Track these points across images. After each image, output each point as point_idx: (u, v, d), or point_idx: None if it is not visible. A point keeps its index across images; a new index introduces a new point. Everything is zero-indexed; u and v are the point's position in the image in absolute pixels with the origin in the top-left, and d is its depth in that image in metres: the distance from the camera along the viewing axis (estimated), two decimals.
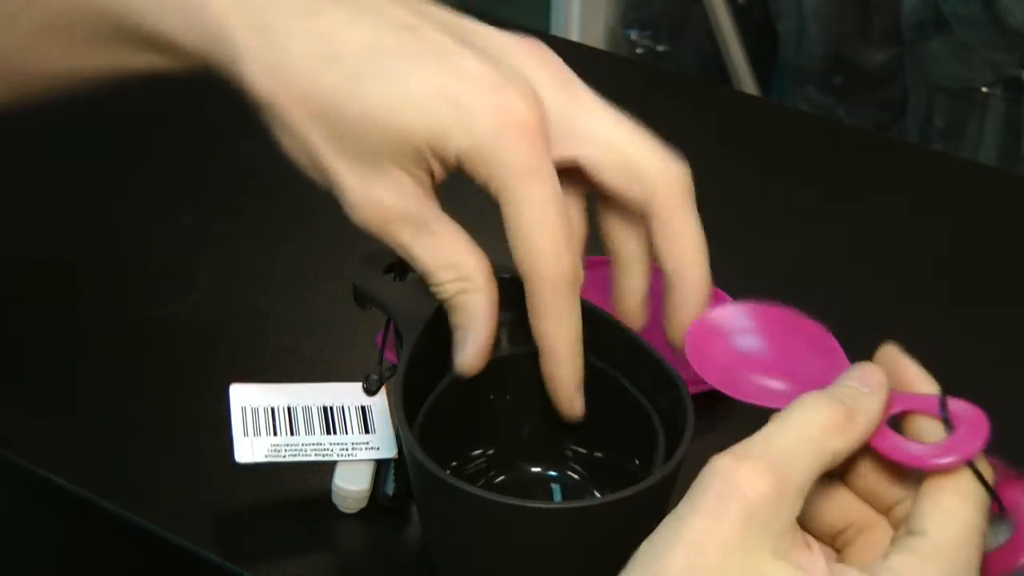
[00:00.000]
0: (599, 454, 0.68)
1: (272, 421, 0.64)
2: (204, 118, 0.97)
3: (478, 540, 0.61)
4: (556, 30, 2.06)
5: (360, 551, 0.67)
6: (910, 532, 0.50)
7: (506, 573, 0.61)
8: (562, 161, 0.60)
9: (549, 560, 0.60)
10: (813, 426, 0.50)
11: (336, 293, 0.80)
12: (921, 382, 0.54)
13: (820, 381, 0.54)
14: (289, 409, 0.65)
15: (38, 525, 0.74)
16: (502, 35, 0.61)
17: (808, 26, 1.92)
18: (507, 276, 0.66)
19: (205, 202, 0.89)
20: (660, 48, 2.09)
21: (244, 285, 0.84)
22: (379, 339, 0.70)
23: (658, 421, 0.64)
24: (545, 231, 0.58)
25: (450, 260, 0.60)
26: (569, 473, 0.69)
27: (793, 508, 0.48)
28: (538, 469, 0.69)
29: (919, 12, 1.79)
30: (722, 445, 0.50)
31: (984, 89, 1.77)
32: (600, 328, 0.65)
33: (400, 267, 0.66)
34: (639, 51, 2.09)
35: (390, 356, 0.68)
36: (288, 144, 0.60)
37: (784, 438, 0.49)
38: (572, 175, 0.61)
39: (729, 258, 0.86)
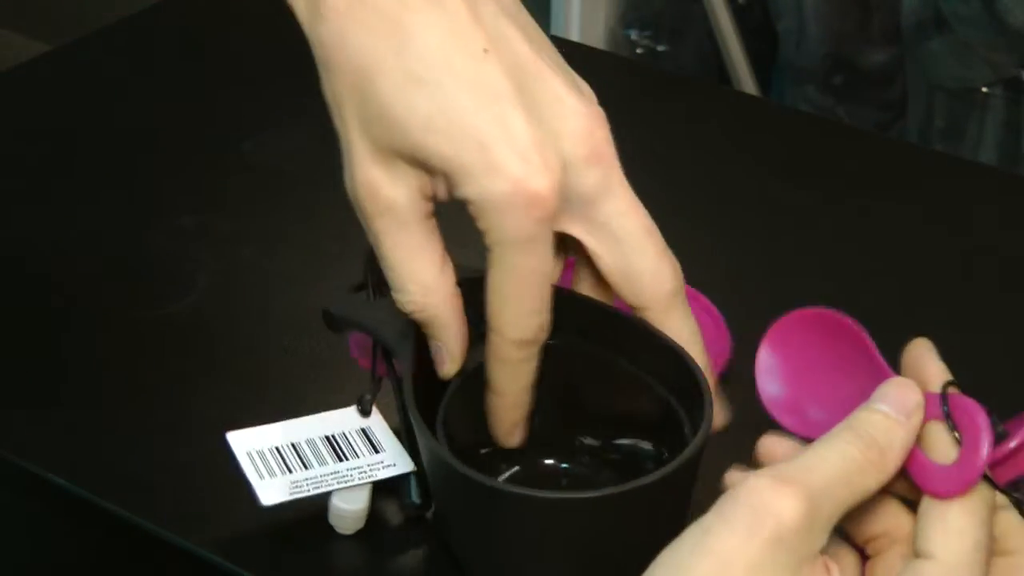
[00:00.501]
0: (614, 444, 0.68)
1: (282, 460, 0.65)
2: (204, 118, 0.97)
3: (516, 536, 0.61)
4: (556, 30, 2.06)
5: (359, 571, 0.67)
6: (917, 555, 0.50)
7: (537, 563, 0.62)
8: (566, 235, 0.62)
9: (572, 549, 0.61)
10: (851, 464, 0.50)
11: (336, 293, 0.80)
12: (935, 379, 0.54)
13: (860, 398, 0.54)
14: (294, 446, 0.66)
15: (38, 525, 0.74)
16: (566, 89, 0.61)
17: (808, 26, 1.92)
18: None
19: (205, 202, 0.89)
20: (660, 48, 2.09)
21: (244, 285, 0.84)
22: (356, 357, 0.71)
23: (683, 414, 0.64)
24: (520, 300, 0.60)
25: (417, 276, 0.61)
26: (580, 465, 0.69)
27: (820, 538, 0.49)
28: (550, 461, 0.69)
29: (919, 12, 1.79)
30: (740, 439, 0.50)
31: (984, 89, 1.77)
32: (619, 325, 0.65)
33: (371, 285, 0.67)
34: (639, 51, 2.09)
35: (375, 372, 0.69)
36: (325, 91, 0.61)
37: (823, 472, 0.50)
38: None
39: (729, 258, 0.86)
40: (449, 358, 0.63)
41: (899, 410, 0.52)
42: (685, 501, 0.62)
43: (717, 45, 2.00)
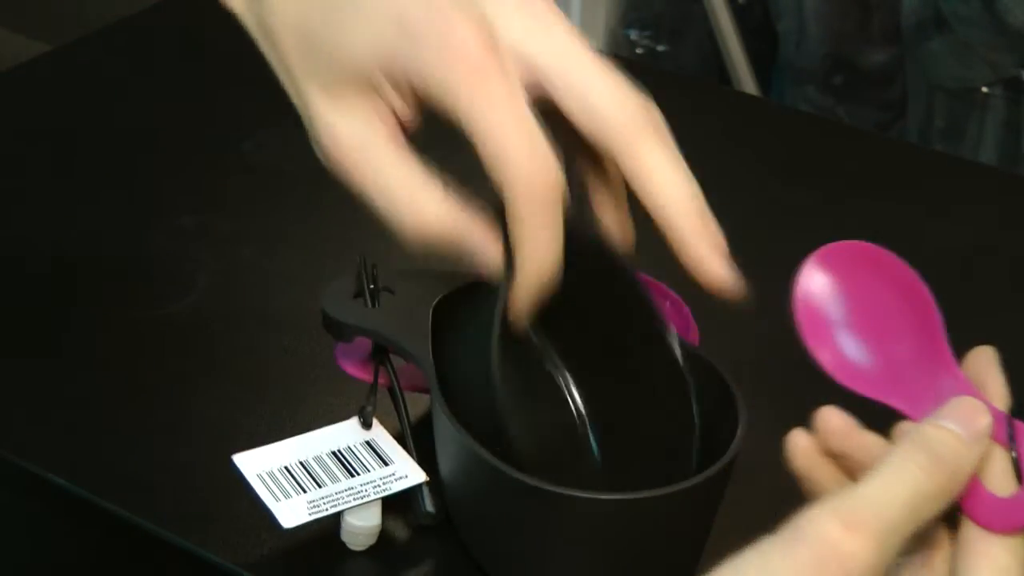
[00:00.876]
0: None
1: (294, 480, 0.65)
2: (204, 118, 0.97)
3: (559, 535, 0.61)
4: None
5: None
6: None
7: (574, 561, 0.62)
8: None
9: (612, 547, 0.61)
10: (920, 494, 0.47)
11: (336, 299, 0.80)
12: (998, 399, 0.52)
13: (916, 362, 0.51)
14: (303, 464, 0.65)
15: (38, 525, 0.74)
16: None
17: (808, 26, 1.92)
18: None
19: (205, 202, 0.89)
20: (660, 48, 2.09)
21: (244, 285, 0.84)
22: (343, 366, 0.71)
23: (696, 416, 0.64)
24: (509, 128, 0.56)
25: (418, 198, 0.58)
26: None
27: (885, 571, 0.47)
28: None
29: (919, 12, 1.79)
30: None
31: (984, 89, 1.77)
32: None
33: (369, 291, 0.67)
34: (639, 51, 2.09)
35: (366, 378, 0.69)
36: (274, 64, 0.62)
37: (892, 505, 0.47)
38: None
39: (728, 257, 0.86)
40: (490, 261, 0.58)
41: (969, 431, 0.49)
42: (715, 507, 0.62)
43: (717, 45, 2.00)
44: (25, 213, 0.89)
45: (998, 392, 0.52)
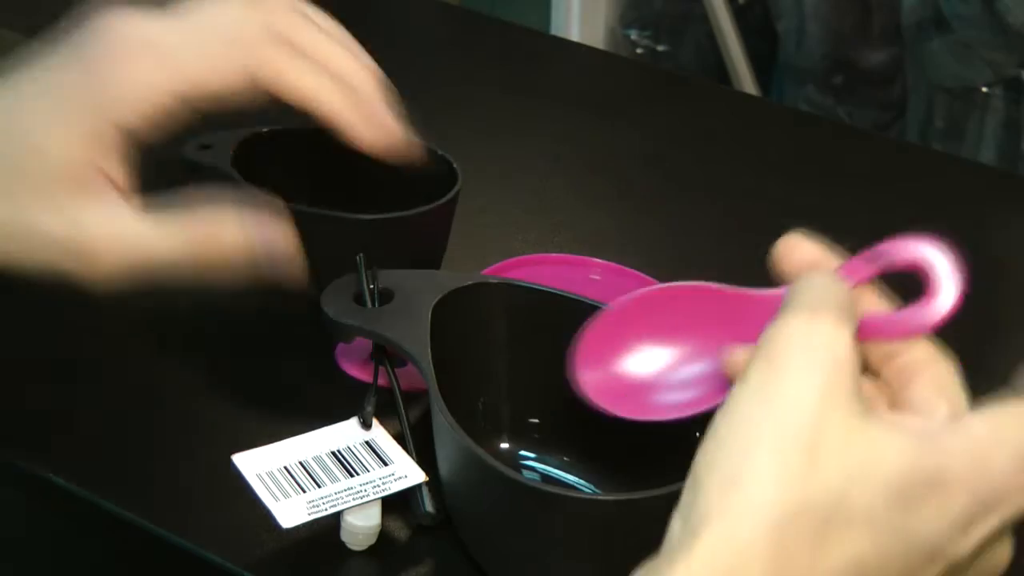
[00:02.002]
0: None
1: (293, 480, 0.65)
2: (204, 118, 0.97)
3: (560, 537, 0.61)
4: (556, 30, 2.06)
5: None
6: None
7: (576, 562, 0.62)
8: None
9: (604, 551, 0.61)
10: (837, 290, 0.51)
11: (337, 302, 0.80)
12: (828, 257, 0.55)
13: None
14: (302, 464, 0.66)
15: (38, 525, 0.74)
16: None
17: (808, 26, 1.92)
18: (499, 281, 0.66)
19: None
20: (660, 48, 2.09)
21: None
22: (342, 364, 0.71)
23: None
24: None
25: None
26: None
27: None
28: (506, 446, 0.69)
29: (919, 12, 1.79)
30: None
31: (984, 89, 1.77)
32: None
33: (370, 293, 0.67)
34: (639, 51, 2.09)
35: (366, 378, 0.69)
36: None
37: (837, 297, 0.50)
38: None
39: (728, 258, 0.86)
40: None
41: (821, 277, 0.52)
42: None
43: (717, 45, 2.00)
44: None
45: (822, 254, 0.55)
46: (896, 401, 0.51)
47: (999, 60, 1.75)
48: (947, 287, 0.52)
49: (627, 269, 0.80)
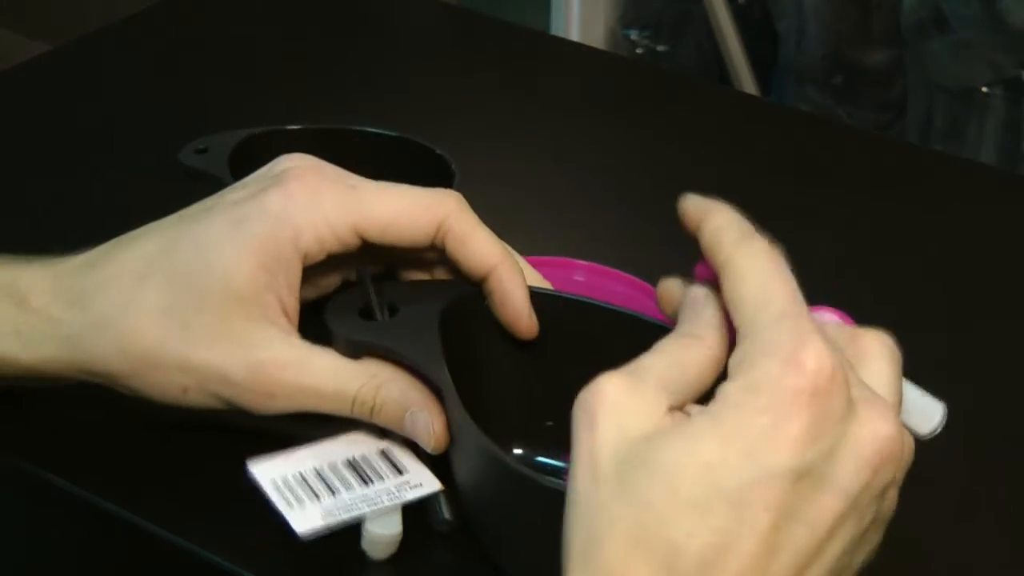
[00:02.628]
0: None
1: (309, 487, 0.65)
2: (205, 118, 0.97)
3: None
4: (556, 30, 2.06)
5: None
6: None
7: None
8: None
9: None
10: (664, 345, 0.56)
11: (342, 316, 0.80)
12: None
13: None
14: (317, 471, 0.66)
15: (38, 525, 0.74)
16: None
17: (808, 26, 1.92)
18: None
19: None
20: (660, 48, 2.09)
21: None
22: None
23: None
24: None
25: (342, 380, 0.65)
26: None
27: (656, 399, 0.53)
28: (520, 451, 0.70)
29: (919, 12, 1.79)
30: None
31: (984, 89, 1.77)
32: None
33: (378, 305, 0.67)
34: (639, 51, 2.09)
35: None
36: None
37: (643, 359, 0.55)
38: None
39: None
40: (430, 427, 0.65)
41: (696, 310, 0.57)
42: None
43: (717, 45, 2.00)
44: (25, 213, 0.89)
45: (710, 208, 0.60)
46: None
47: (999, 60, 1.75)
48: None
49: (611, 270, 0.80)
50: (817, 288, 0.83)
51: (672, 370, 0.54)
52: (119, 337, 0.65)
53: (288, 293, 0.65)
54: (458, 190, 0.81)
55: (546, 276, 0.75)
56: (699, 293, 0.58)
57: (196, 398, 0.65)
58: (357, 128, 0.84)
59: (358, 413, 0.65)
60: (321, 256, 0.66)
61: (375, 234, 0.66)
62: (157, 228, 0.68)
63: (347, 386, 0.65)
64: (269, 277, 0.65)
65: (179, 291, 0.65)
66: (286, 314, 0.65)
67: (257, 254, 0.64)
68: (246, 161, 0.82)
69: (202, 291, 0.64)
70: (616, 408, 0.52)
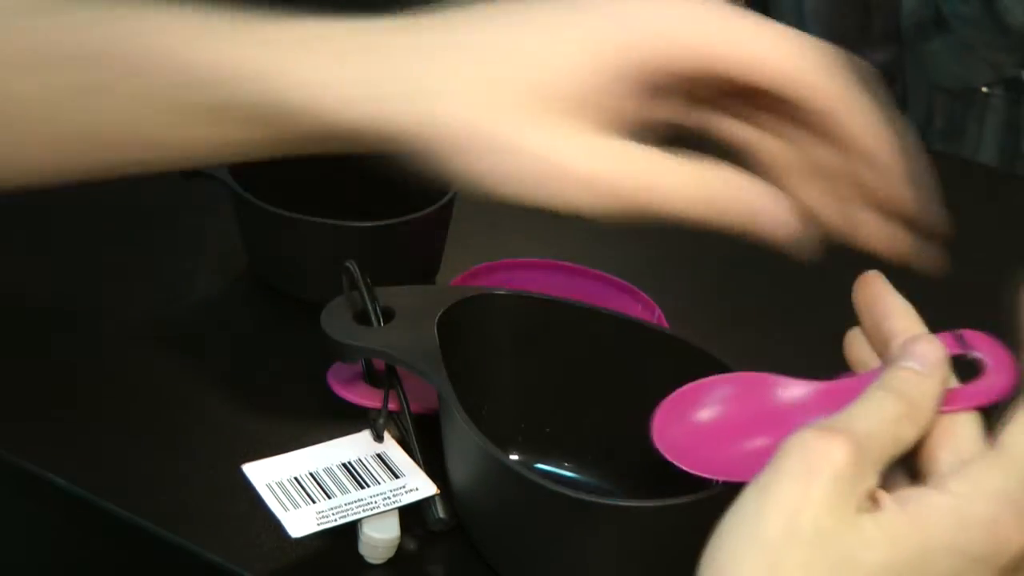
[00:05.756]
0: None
1: (303, 490, 0.65)
2: None
3: (585, 543, 0.61)
4: None
5: None
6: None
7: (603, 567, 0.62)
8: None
9: (639, 555, 0.62)
10: (885, 414, 0.52)
11: (337, 321, 0.80)
12: (904, 315, 0.58)
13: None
14: (312, 475, 0.66)
15: (38, 525, 0.74)
16: None
17: (808, 26, 1.92)
18: (503, 292, 0.67)
19: (206, 203, 0.89)
20: None
21: (243, 284, 0.84)
22: (336, 391, 0.71)
23: None
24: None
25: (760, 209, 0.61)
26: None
27: (872, 478, 0.50)
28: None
29: (919, 12, 1.79)
30: None
31: (984, 89, 1.77)
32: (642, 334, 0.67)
33: (374, 311, 0.67)
34: None
35: (359, 401, 0.70)
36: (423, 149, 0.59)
37: (864, 419, 0.51)
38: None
39: (727, 256, 0.86)
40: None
41: (925, 364, 0.54)
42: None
43: None
44: (25, 212, 0.89)
45: (903, 312, 0.58)
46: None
47: (999, 60, 1.75)
48: (1004, 371, 0.57)
49: (600, 273, 0.80)
50: (816, 287, 0.83)
51: (891, 448, 0.52)
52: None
53: (626, 102, 0.60)
54: (456, 192, 0.81)
55: (535, 279, 0.75)
56: (932, 354, 0.56)
57: (494, 183, 0.59)
58: None
59: (703, 212, 0.59)
60: (664, 82, 0.60)
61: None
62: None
63: (693, 179, 0.59)
64: (605, 82, 0.59)
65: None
66: (622, 122, 0.60)
67: (589, 55, 0.59)
68: (245, 162, 0.82)
69: (523, 79, 0.59)
70: (836, 476, 0.49)
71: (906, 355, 0.55)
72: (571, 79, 0.58)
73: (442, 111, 0.58)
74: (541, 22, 0.59)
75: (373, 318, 0.66)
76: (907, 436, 0.52)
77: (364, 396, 0.70)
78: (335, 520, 0.64)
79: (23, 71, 0.60)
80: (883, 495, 0.50)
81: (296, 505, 0.64)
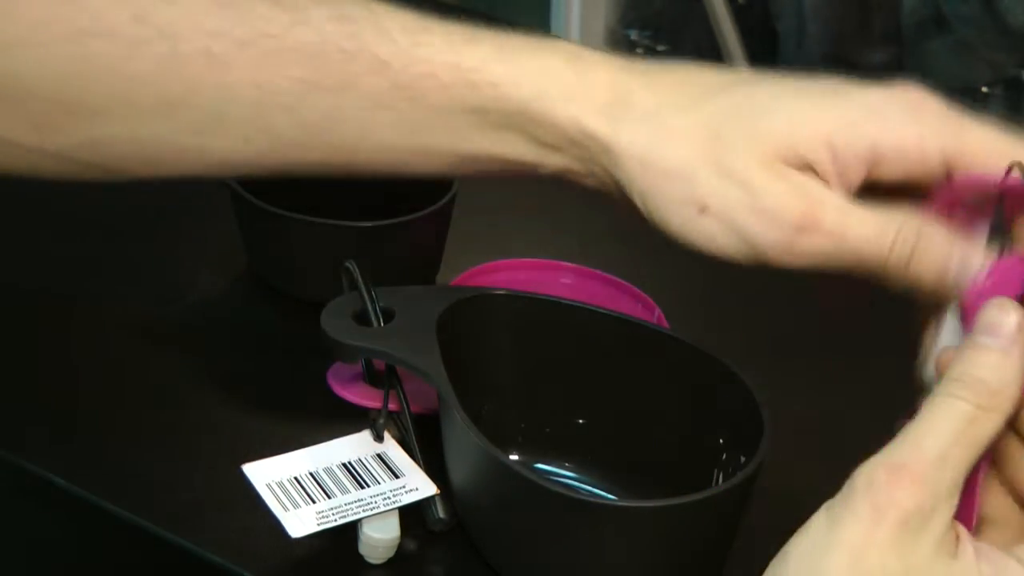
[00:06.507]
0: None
1: (303, 490, 0.65)
2: None
3: (588, 543, 0.61)
4: (556, 30, 2.06)
5: None
6: None
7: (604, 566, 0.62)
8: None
9: (643, 554, 0.62)
10: (958, 420, 0.49)
11: (336, 322, 0.80)
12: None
13: None
14: (312, 475, 0.66)
15: (38, 525, 0.74)
16: None
17: (808, 26, 1.92)
18: (503, 292, 0.67)
19: (206, 203, 0.89)
20: (660, 48, 2.09)
21: (243, 284, 0.84)
22: (336, 390, 0.71)
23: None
24: None
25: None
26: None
27: (948, 508, 0.49)
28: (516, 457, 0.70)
29: (919, 12, 1.79)
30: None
31: (984, 89, 1.77)
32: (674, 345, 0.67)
33: (374, 311, 0.67)
34: (639, 51, 2.09)
35: (359, 401, 0.69)
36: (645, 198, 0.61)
37: (934, 441, 0.49)
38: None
39: None
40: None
41: (998, 335, 0.50)
42: (742, 509, 0.63)
43: (717, 45, 2.00)
44: (26, 212, 0.89)
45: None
46: None
47: (999, 60, 1.75)
48: None
49: (600, 273, 0.80)
50: (816, 287, 0.83)
51: (968, 458, 0.49)
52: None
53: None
54: (456, 192, 0.81)
55: (535, 279, 0.75)
56: (1006, 323, 0.50)
57: (709, 225, 0.60)
58: None
59: (893, 261, 0.58)
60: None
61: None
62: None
63: (886, 229, 0.58)
64: (812, 147, 0.60)
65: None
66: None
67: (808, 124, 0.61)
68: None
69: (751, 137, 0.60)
70: (902, 519, 0.48)
71: (981, 328, 0.50)
72: (799, 140, 0.60)
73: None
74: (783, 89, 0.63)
75: (373, 318, 0.66)
76: (987, 431, 0.49)
77: (364, 396, 0.70)
78: (335, 520, 0.64)
79: (263, 64, 0.60)
80: (966, 540, 0.49)
81: (296, 505, 0.64)
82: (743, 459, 0.63)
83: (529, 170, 0.62)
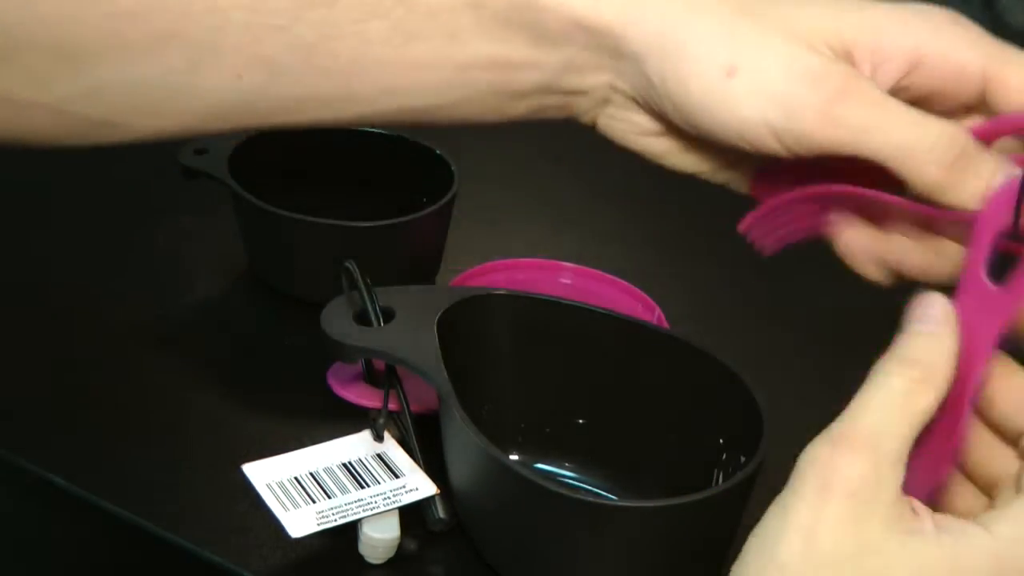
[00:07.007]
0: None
1: (303, 490, 0.65)
2: None
3: (589, 542, 0.61)
4: None
5: None
6: None
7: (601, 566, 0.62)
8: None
9: (638, 554, 0.62)
10: (894, 393, 0.50)
11: (337, 321, 0.80)
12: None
13: None
14: (312, 475, 0.66)
15: (38, 525, 0.75)
16: None
17: None
18: (503, 292, 0.67)
19: (206, 202, 0.90)
20: None
21: (243, 284, 0.84)
22: (336, 390, 0.71)
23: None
24: None
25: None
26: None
27: (894, 478, 0.49)
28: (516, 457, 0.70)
29: None
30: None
31: None
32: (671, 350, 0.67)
33: (374, 311, 0.67)
34: None
35: (359, 401, 0.70)
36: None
37: (870, 414, 0.50)
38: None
39: (727, 258, 0.86)
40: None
41: (928, 321, 0.52)
42: (742, 509, 0.63)
43: None
44: (26, 212, 0.89)
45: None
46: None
47: None
48: None
49: (600, 273, 0.81)
50: (816, 286, 0.83)
51: (910, 428, 0.50)
52: None
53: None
54: (457, 190, 0.81)
55: (535, 279, 0.75)
56: (936, 311, 0.53)
57: (736, 88, 0.56)
58: (358, 128, 0.84)
59: (934, 163, 0.55)
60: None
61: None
62: None
63: (930, 128, 0.55)
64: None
65: None
66: None
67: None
68: (246, 163, 0.82)
69: None
70: (851, 492, 0.48)
71: (912, 317, 0.52)
72: (844, 25, 0.56)
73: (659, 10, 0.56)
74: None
75: (373, 318, 0.66)
76: (923, 404, 0.50)
77: (364, 396, 0.70)
78: (335, 520, 0.64)
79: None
80: (924, 514, 0.49)
81: (296, 505, 0.64)
82: (743, 459, 0.63)
83: (523, 78, 0.60)
